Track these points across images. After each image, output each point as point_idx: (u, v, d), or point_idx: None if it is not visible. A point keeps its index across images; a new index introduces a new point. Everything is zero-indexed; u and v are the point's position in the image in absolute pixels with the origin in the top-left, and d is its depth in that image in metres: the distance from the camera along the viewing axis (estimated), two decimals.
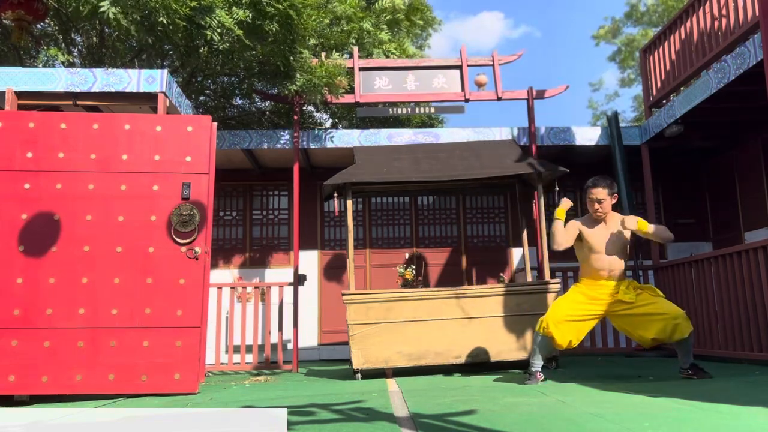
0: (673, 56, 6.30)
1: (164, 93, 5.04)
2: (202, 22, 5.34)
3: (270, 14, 5.64)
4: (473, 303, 5.03)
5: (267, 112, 10.73)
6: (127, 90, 5.08)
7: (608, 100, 23.18)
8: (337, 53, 6.83)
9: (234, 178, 7.95)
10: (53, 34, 8.89)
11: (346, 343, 5.46)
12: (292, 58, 6.04)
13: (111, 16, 4.62)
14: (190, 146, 4.49)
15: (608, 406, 2.81)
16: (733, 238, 7.24)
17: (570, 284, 6.57)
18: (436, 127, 11.05)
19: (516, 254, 8.00)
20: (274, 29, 5.72)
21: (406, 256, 7.86)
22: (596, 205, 3.96)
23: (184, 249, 4.33)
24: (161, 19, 5.09)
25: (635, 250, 6.39)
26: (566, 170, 5.37)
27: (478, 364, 5.05)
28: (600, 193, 3.95)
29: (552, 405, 2.95)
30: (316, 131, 7.17)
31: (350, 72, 6.76)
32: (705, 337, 5.48)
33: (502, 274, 6.82)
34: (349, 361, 5.23)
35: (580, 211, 5.79)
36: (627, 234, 3.98)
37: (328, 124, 11.44)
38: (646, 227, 3.86)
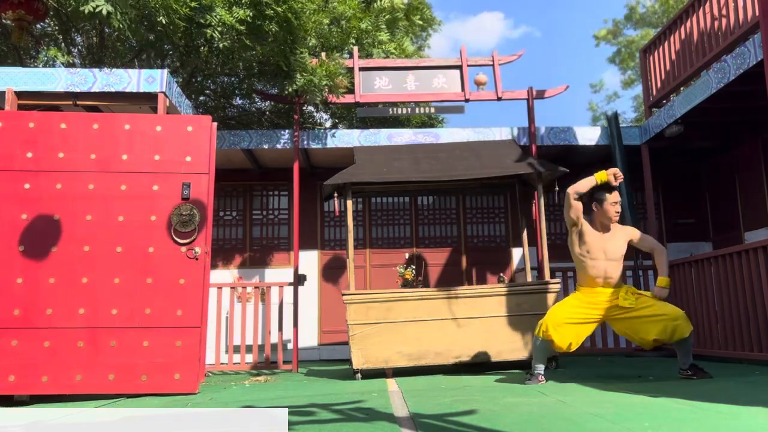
0: (673, 56, 6.30)
1: (164, 93, 5.04)
2: (203, 20, 5.34)
3: (269, 16, 5.64)
4: (473, 303, 5.03)
5: (267, 112, 10.73)
6: (127, 90, 5.08)
7: (608, 100, 23.17)
8: (337, 53, 6.83)
9: (234, 178, 7.95)
10: (53, 34, 8.89)
11: (346, 343, 5.46)
12: (292, 58, 6.04)
13: (105, 14, 4.62)
14: (190, 146, 4.49)
15: (608, 406, 2.81)
16: (733, 238, 7.24)
17: (570, 284, 6.58)
18: (436, 127, 11.05)
19: (516, 254, 8.00)
20: (273, 30, 5.72)
21: (406, 256, 7.86)
22: (618, 208, 3.96)
23: (184, 249, 4.33)
24: (161, 18, 5.09)
25: (635, 250, 6.38)
26: (566, 170, 5.37)
27: (478, 364, 5.05)
28: (618, 197, 3.97)
29: (552, 405, 2.95)
30: (316, 131, 7.17)
31: (350, 72, 6.77)
32: (705, 337, 5.48)
33: (502, 274, 6.82)
34: (349, 361, 5.22)
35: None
36: (626, 243, 4.01)
37: (328, 124, 11.45)
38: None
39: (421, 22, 10.82)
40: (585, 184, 3.89)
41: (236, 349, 6.25)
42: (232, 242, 7.96)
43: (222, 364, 6.23)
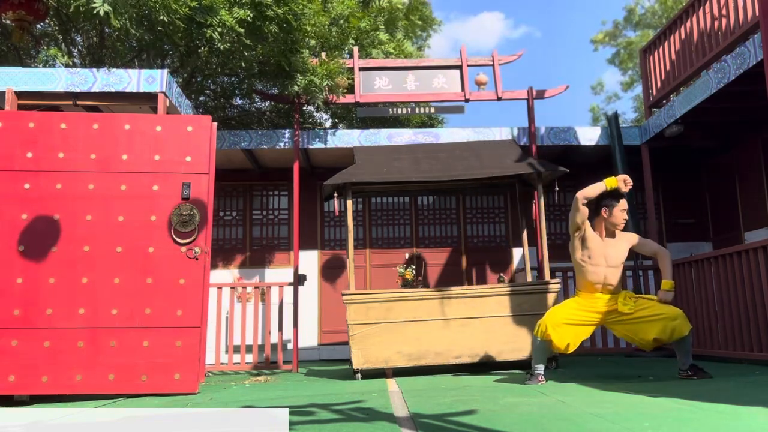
0: (673, 56, 6.30)
1: (164, 93, 5.04)
2: (203, 21, 5.34)
3: (270, 17, 5.64)
4: (473, 303, 5.03)
5: (267, 112, 10.73)
6: (127, 90, 5.08)
7: (608, 101, 23.14)
8: (337, 52, 6.83)
9: (234, 178, 7.95)
10: (53, 34, 8.89)
11: (346, 343, 5.46)
12: (293, 58, 6.04)
13: (102, 13, 4.62)
14: (190, 146, 4.49)
15: (608, 406, 2.81)
16: (733, 238, 7.24)
17: (570, 284, 6.57)
18: (436, 127, 11.05)
19: (516, 254, 8.00)
20: (273, 31, 5.72)
21: (406, 256, 7.86)
22: (626, 215, 3.98)
23: (184, 249, 4.32)
24: (161, 18, 5.08)
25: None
26: (566, 170, 5.37)
27: (478, 364, 5.05)
28: (626, 204, 3.99)
29: (552, 405, 2.95)
30: (316, 131, 7.17)
31: (350, 72, 6.76)
32: (705, 337, 5.48)
33: (502, 274, 6.82)
34: (349, 361, 5.22)
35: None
36: (627, 250, 4.01)
37: (328, 124, 11.44)
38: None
39: (420, 22, 10.82)
40: (594, 190, 3.89)
41: (236, 349, 6.25)
42: (232, 242, 7.96)
43: (222, 364, 6.23)
